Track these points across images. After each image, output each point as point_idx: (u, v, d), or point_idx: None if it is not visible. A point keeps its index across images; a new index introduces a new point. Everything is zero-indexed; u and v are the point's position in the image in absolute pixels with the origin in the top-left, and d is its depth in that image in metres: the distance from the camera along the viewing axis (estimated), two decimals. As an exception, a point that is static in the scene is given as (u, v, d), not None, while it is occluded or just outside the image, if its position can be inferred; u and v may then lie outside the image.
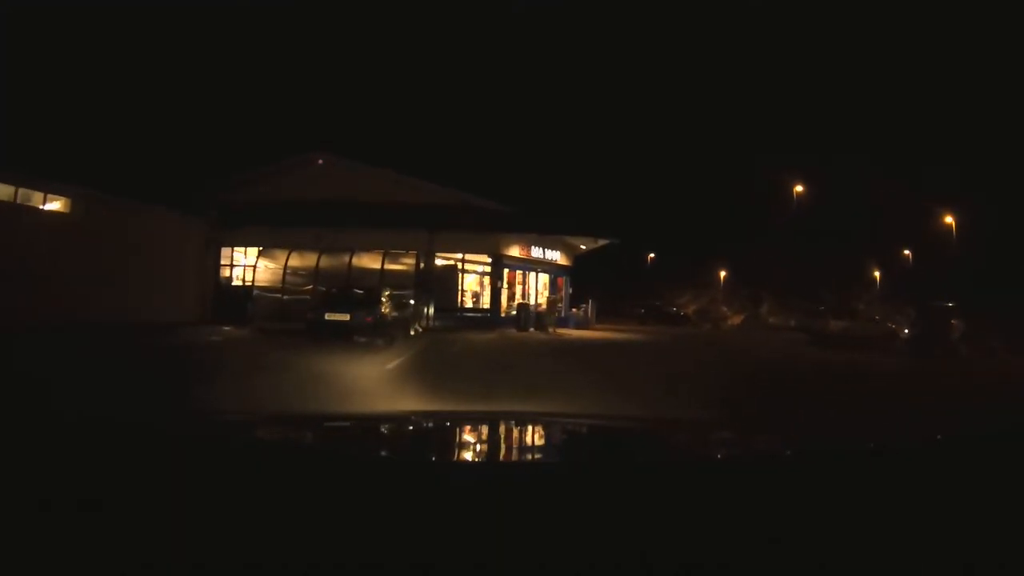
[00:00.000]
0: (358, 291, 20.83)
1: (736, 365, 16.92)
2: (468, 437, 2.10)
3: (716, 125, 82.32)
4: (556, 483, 1.23)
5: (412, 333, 22.26)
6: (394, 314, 20.69)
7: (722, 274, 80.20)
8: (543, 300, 30.67)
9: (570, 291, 34.12)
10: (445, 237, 28.51)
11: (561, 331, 28.38)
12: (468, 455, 1.87)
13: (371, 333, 18.16)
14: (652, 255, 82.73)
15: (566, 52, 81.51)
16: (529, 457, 1.91)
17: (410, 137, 56.53)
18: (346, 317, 18.39)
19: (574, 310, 32.68)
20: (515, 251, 30.20)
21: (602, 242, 31.15)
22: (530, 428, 2.35)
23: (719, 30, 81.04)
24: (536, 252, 31.09)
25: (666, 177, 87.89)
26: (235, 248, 29.37)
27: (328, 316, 18.81)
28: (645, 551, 1.01)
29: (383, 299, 20.21)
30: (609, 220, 31.23)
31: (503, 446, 2.05)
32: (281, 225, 26.88)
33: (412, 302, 24.17)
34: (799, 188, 48.02)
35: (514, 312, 28.76)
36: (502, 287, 30.02)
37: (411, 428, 2.30)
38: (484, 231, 28.48)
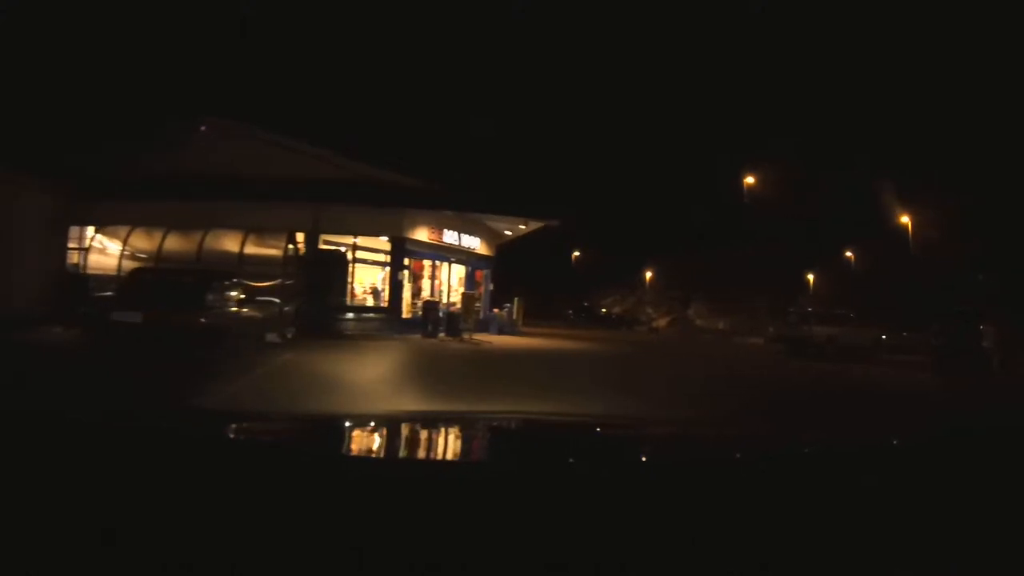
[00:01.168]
0: (185, 275, 14.11)
1: (736, 392, 10.97)
2: (468, 437, 2.07)
3: (654, 118, 78.32)
4: (556, 483, 1.20)
5: (275, 341, 15.56)
6: (243, 313, 13.93)
7: (648, 275, 76.77)
8: (458, 297, 24.11)
9: (491, 287, 27.70)
10: (333, 215, 21.77)
11: (480, 337, 22.04)
12: (467, 455, 1.83)
13: (187, 343, 11.34)
14: (577, 253, 78.60)
15: (503, 19, 75.96)
16: (529, 457, 1.76)
17: (324, 111, 50.03)
18: (138, 318, 11.49)
19: (495, 311, 26.30)
20: (423, 234, 23.66)
21: (533, 225, 24.78)
22: (530, 428, 2.29)
23: (671, 30, 77.30)
24: (450, 237, 24.61)
25: (599, 170, 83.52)
26: (99, 228, 22.84)
27: (118, 316, 11.95)
28: (646, 551, 1.00)
29: (220, 290, 13.45)
30: (537, 205, 24.18)
31: (503, 446, 2.01)
32: (150, 200, 20.84)
33: (275, 299, 17.46)
34: (749, 180, 42.92)
35: (420, 312, 22.29)
36: (405, 280, 23.45)
37: (410, 428, 2.16)
38: (383, 207, 21.89)
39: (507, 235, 26.86)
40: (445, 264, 25.34)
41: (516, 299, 27.32)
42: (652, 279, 77.50)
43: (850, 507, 1.14)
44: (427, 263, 24.56)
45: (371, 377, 10.77)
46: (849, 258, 57.03)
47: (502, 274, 29.13)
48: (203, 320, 12.05)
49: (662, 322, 65.78)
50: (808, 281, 63.23)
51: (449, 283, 25.35)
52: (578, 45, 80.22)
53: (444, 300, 24.10)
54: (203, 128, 22.23)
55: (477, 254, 26.40)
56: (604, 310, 53.84)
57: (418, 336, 20.94)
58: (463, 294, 23.19)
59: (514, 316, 26.54)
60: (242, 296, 14.20)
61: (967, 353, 18.84)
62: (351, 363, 12.81)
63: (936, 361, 19.76)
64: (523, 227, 24.36)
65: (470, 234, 25.54)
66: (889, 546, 1.05)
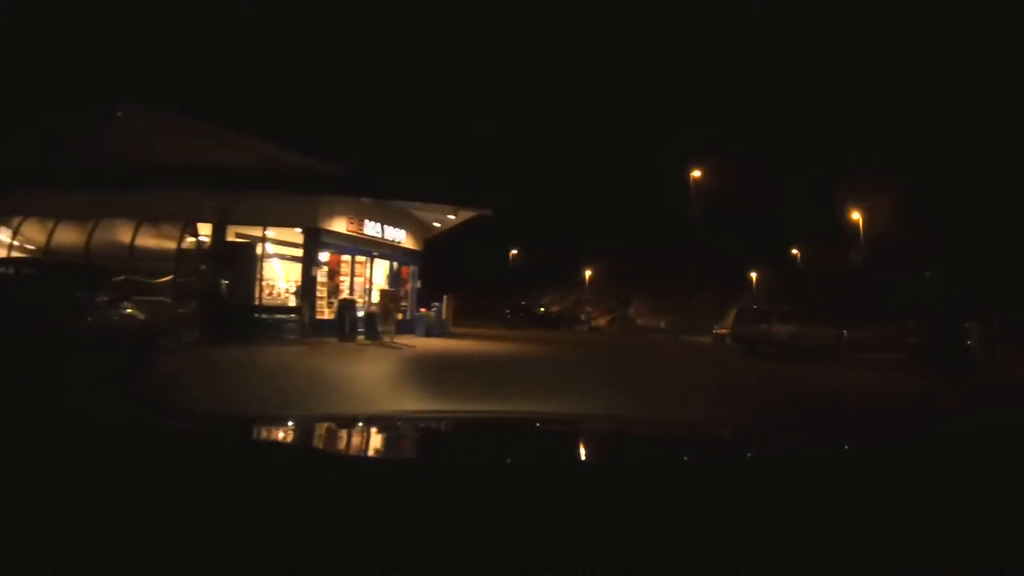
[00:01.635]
0: (48, 271, 11.55)
1: (714, 401, 8.93)
2: (467, 437, 2.06)
3: (596, 112, 76.78)
4: (556, 484, 1.19)
5: (168, 346, 12.88)
6: (120, 316, 11.21)
7: (588, 273, 75.30)
8: (379, 295, 21.60)
9: (419, 285, 25.20)
10: (242, 203, 19.16)
11: (403, 340, 19.63)
12: (466, 456, 1.75)
13: (44, 351, 8.60)
14: (515, 251, 76.65)
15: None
16: (529, 458, 1.76)
17: (254, 98, 46.84)
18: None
19: (422, 310, 23.84)
20: (341, 225, 21.10)
21: (464, 216, 22.35)
22: (530, 428, 2.27)
23: (614, 23, 76.00)
24: (372, 229, 22.09)
25: (538, 164, 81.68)
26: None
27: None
28: (646, 551, 1.00)
29: (90, 288, 10.80)
30: (467, 193, 21.70)
31: (503, 446, 1.93)
32: (56, 189, 18.34)
33: (167, 298, 14.89)
34: (695, 174, 41.33)
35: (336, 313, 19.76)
36: (320, 276, 20.89)
37: (409, 428, 2.17)
38: (297, 195, 19.37)
39: (436, 227, 24.45)
40: (367, 259, 22.79)
41: (445, 298, 24.91)
42: (592, 277, 76.19)
43: (858, 508, 1.10)
44: (346, 258, 21.99)
45: (257, 392, 8.43)
46: (794, 255, 56.49)
47: (434, 271, 26.72)
48: (63, 323, 9.42)
49: (603, 321, 64.56)
50: (751, 279, 62.72)
51: (370, 280, 22.81)
52: (520, 34, 78.45)
53: (366, 299, 21.57)
54: (119, 114, 19.80)
55: (403, 248, 23.93)
56: (542, 309, 51.75)
57: (335, 339, 18.46)
58: (382, 292, 20.61)
59: (443, 316, 24.14)
60: (122, 294, 11.54)
61: (951, 351, 17.38)
62: (241, 374, 10.39)
63: (915, 360, 18.34)
64: (452, 217, 21.94)
65: (395, 226, 23.06)
66: (894, 547, 1.01)
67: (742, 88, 78.24)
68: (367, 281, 22.57)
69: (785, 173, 51.62)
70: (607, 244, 73.12)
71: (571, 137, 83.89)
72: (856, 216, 41.21)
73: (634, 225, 69.92)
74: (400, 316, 21.89)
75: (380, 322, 18.52)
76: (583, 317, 60.41)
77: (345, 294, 20.97)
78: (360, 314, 19.65)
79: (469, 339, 23.08)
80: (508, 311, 45.35)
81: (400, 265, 24.31)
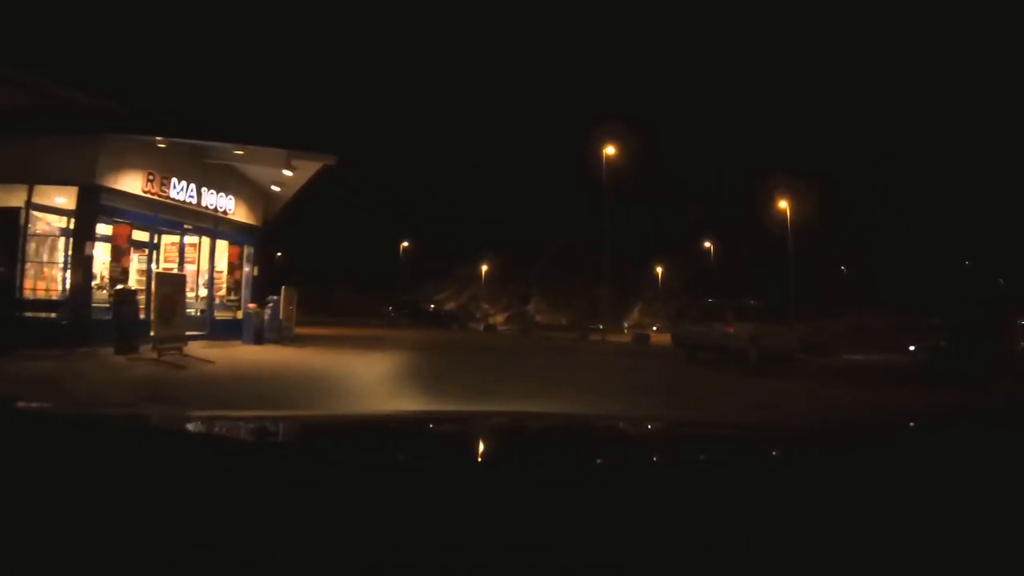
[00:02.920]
0: None
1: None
2: (466, 437, 2.00)
3: (497, 91, 71.46)
4: (555, 484, 1.15)
5: None
6: None
7: (484, 268, 71.16)
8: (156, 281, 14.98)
9: (254, 272, 18.66)
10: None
11: (206, 350, 13.50)
12: (469, 455, 1.69)
13: None
14: (406, 244, 71.34)
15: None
16: (529, 458, 1.66)
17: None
18: None
19: (251, 306, 17.47)
20: (133, 183, 14.67)
21: (306, 169, 15.99)
22: (529, 429, 2.21)
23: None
24: (182, 191, 15.72)
25: (432, 150, 75.86)
26: None
27: None
28: (647, 552, 0.97)
29: None
30: (306, 137, 15.71)
31: (502, 446, 1.89)
32: None
33: None
34: (609, 150, 36.47)
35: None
36: (102, 256, 14.49)
37: (407, 428, 2.08)
38: (70, 140, 13.21)
39: (277, 192, 18.14)
40: (177, 236, 16.35)
41: (284, 290, 18.56)
42: (489, 272, 72.10)
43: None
44: (142, 234, 15.47)
45: None
46: (707, 248, 53.46)
47: (307, 261, 20.35)
48: None
49: (500, 318, 60.32)
50: (656, 273, 59.82)
51: (183, 264, 16.38)
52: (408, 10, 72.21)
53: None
54: None
55: (233, 222, 17.58)
56: (432, 306, 46.08)
57: (110, 350, 12.19)
58: (159, 276, 14.08)
59: (280, 316, 17.78)
60: None
61: (987, 359, 13.55)
62: None
63: (932, 369, 14.75)
64: (289, 173, 15.68)
65: (219, 190, 16.72)
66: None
67: (654, 73, 75.28)
68: (179, 264, 16.15)
69: (694, 163, 48.67)
70: (505, 237, 69.49)
71: (467, 122, 78.37)
72: (783, 206, 37.77)
73: (533, 217, 65.69)
74: (191, 312, 15.59)
75: (159, 324, 12.22)
76: (478, 315, 55.70)
77: (136, 280, 14.55)
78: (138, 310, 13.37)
79: (316, 346, 16.97)
80: (391, 308, 39.16)
81: (235, 244, 17.96)
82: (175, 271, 15.10)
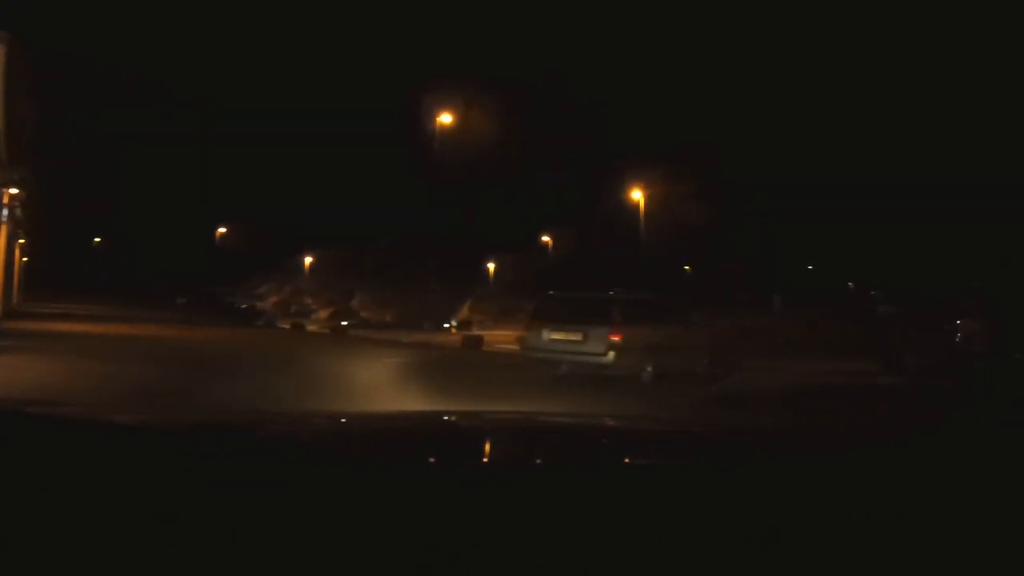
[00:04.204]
0: None
1: None
2: (465, 437, 2.01)
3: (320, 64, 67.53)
4: (554, 484, 1.19)
5: None
6: None
7: (308, 260, 68.09)
8: None
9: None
10: None
11: None
12: (466, 456, 1.69)
13: None
14: (223, 230, 66.76)
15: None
16: (528, 458, 1.74)
17: None
18: None
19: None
20: None
21: None
22: (529, 428, 2.20)
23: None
24: None
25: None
26: None
27: None
28: (644, 554, 0.97)
29: None
30: None
31: (503, 446, 1.89)
32: None
33: None
34: (443, 119, 30.64)
35: None
36: None
37: (406, 428, 2.12)
38: None
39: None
40: None
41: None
42: (314, 265, 69.07)
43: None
44: None
45: None
46: (546, 243, 53.11)
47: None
48: None
49: (324, 314, 57.86)
50: (487, 269, 59.22)
51: None
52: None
53: None
54: None
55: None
56: (246, 303, 42.57)
57: None
58: None
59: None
60: None
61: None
62: None
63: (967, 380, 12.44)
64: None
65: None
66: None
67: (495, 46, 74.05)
68: None
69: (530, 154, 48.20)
70: (334, 228, 67.10)
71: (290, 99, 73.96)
72: (635, 197, 37.46)
73: (364, 207, 63.46)
74: None
75: None
76: (293, 309, 52.60)
77: None
78: None
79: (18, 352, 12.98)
80: (183, 299, 35.23)
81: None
82: None
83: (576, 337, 12.59)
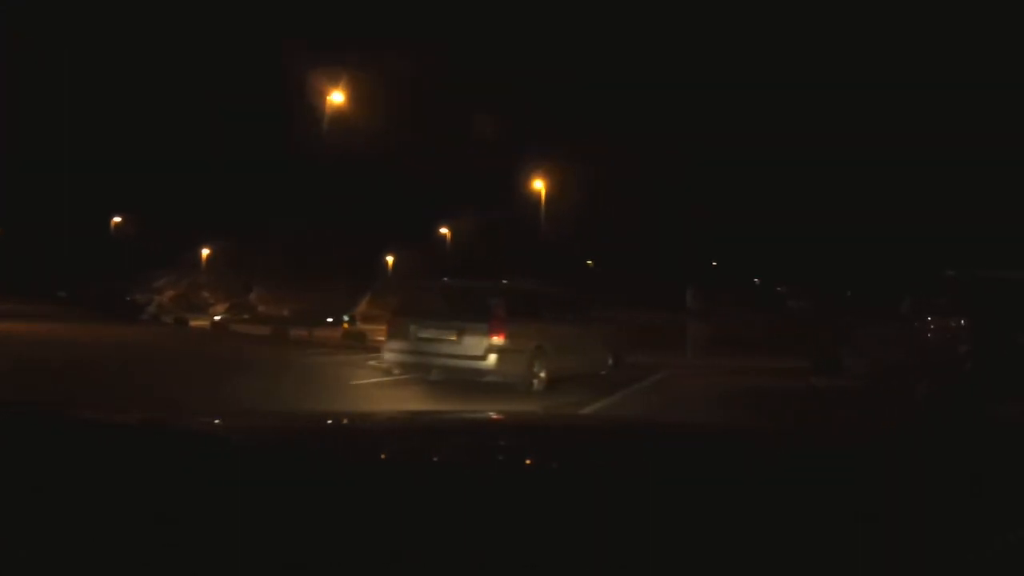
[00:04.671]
0: None
1: None
2: (463, 437, 1.99)
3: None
4: (553, 484, 1.22)
5: None
6: None
7: (205, 253, 66.64)
8: None
9: None
10: None
11: None
12: (464, 456, 1.70)
13: None
14: (119, 219, 64.80)
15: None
16: (527, 459, 1.75)
17: None
18: None
19: None
20: None
21: None
22: (528, 428, 2.25)
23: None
24: None
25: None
26: None
27: None
28: (643, 555, 0.97)
29: None
30: None
31: (502, 446, 1.92)
32: None
33: None
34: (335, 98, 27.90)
35: None
36: None
37: (405, 427, 2.17)
38: None
39: None
40: None
41: None
42: (211, 257, 67.67)
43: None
44: None
45: None
46: (444, 235, 53.21)
47: None
48: None
49: (220, 308, 57.04)
50: (387, 262, 58.77)
51: None
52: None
53: None
54: None
55: None
56: (137, 297, 41.52)
57: None
58: None
59: None
60: None
61: None
62: None
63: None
64: None
65: None
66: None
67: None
68: None
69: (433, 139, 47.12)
70: (232, 219, 64.96)
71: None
72: (538, 186, 36.12)
73: (262, 197, 62.12)
74: None
75: None
76: (184, 303, 51.94)
77: None
78: None
79: None
80: (63, 293, 34.93)
81: None
82: None
83: (449, 336, 10.42)
